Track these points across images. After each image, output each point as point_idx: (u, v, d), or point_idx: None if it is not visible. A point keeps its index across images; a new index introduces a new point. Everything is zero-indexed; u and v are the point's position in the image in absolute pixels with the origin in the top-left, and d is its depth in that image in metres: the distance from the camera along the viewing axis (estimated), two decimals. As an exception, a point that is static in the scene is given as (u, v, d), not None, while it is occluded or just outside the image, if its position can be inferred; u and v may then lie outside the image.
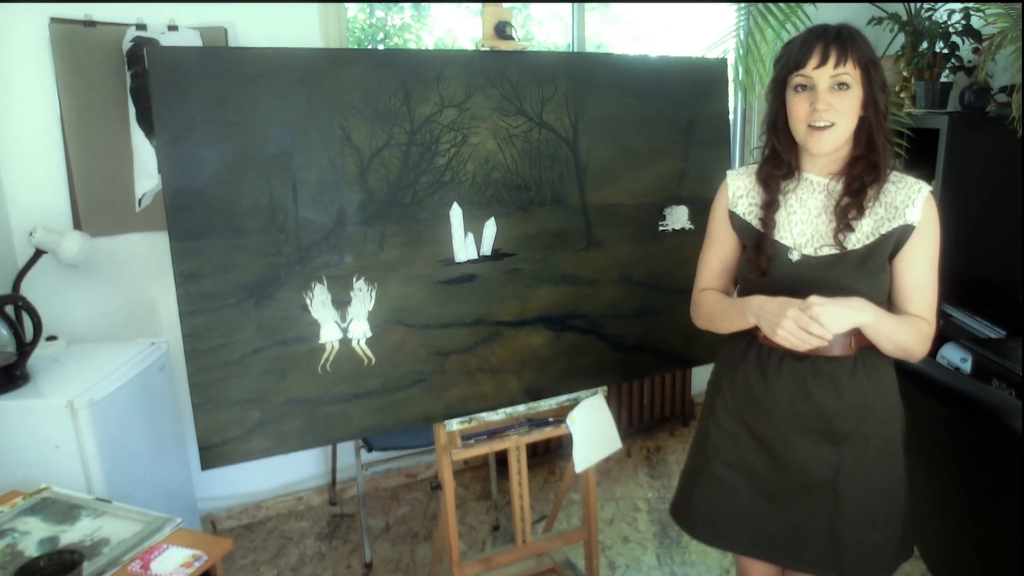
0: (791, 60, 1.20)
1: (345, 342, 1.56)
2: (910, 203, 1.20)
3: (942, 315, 2.40)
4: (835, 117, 1.17)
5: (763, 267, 1.27)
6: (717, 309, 1.35)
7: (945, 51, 2.41)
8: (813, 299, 1.14)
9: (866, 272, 1.21)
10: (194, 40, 2.09)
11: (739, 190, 1.34)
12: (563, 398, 1.80)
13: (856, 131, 1.22)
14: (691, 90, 1.88)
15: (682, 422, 3.02)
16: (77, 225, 2.06)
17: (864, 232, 1.22)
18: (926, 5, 2.47)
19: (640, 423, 2.93)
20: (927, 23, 2.39)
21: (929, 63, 2.41)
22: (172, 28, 2.07)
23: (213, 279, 1.44)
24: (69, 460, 1.64)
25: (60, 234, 1.93)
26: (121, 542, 1.26)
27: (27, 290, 2.00)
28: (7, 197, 2.00)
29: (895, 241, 1.21)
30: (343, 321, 1.56)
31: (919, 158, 2.49)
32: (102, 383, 1.73)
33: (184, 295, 1.43)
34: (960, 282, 2.41)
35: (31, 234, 1.90)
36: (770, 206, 1.29)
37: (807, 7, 2.31)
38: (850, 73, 1.16)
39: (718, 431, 1.36)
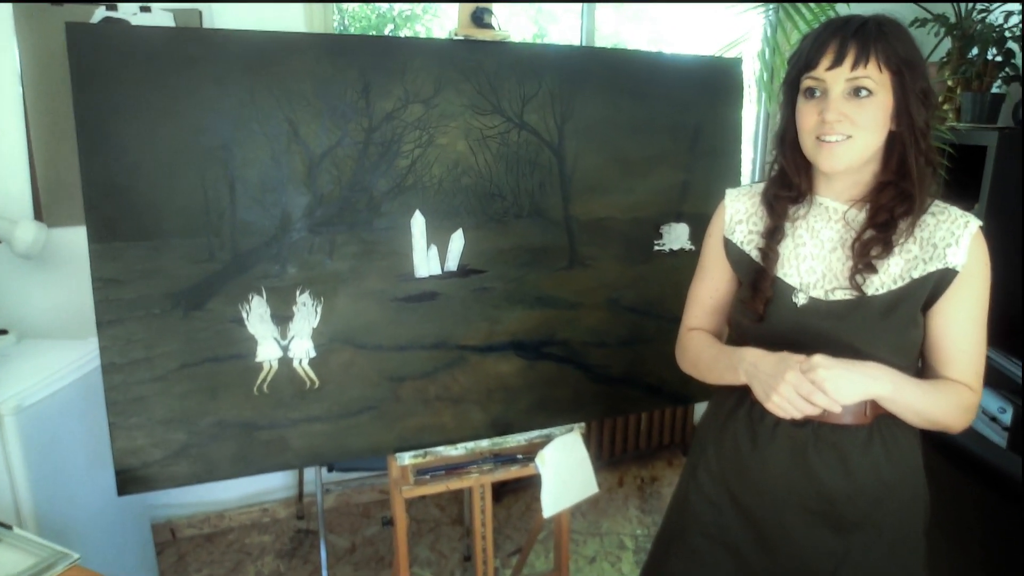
0: (802, 58, 0.97)
1: (285, 361, 1.40)
2: (953, 241, 0.96)
3: (980, 356, 2.14)
4: (850, 130, 0.94)
5: (759, 310, 1.05)
6: (704, 356, 1.13)
7: (999, 59, 2.13)
8: (818, 359, 0.92)
9: (891, 325, 0.98)
10: (167, 21, 1.95)
11: (738, 214, 1.12)
12: (534, 434, 1.62)
13: (885, 150, 0.99)
14: (699, 92, 1.67)
15: (682, 451, 2.80)
16: (38, 214, 1.95)
17: (891, 275, 0.99)
18: (979, 5, 2.20)
19: (636, 449, 2.72)
20: (979, 26, 2.12)
21: (979, 72, 2.14)
22: (144, 9, 1.94)
23: (136, 285, 1.30)
24: (-7, 469, 1.52)
25: (13, 222, 1.81)
26: (5, 579, 1.13)
27: (-20, 281, 1.91)
28: (-35, 182, 1.90)
29: (932, 288, 0.97)
30: (283, 338, 1.40)
31: (962, 179, 2.22)
32: (38, 386, 1.60)
33: (103, 302, 1.29)
34: (1003, 321, 2.14)
35: (-18, 222, 1.79)
36: (774, 234, 1.06)
37: (839, 6, 2.07)
38: (873, 77, 0.92)
39: (699, 497, 1.15)
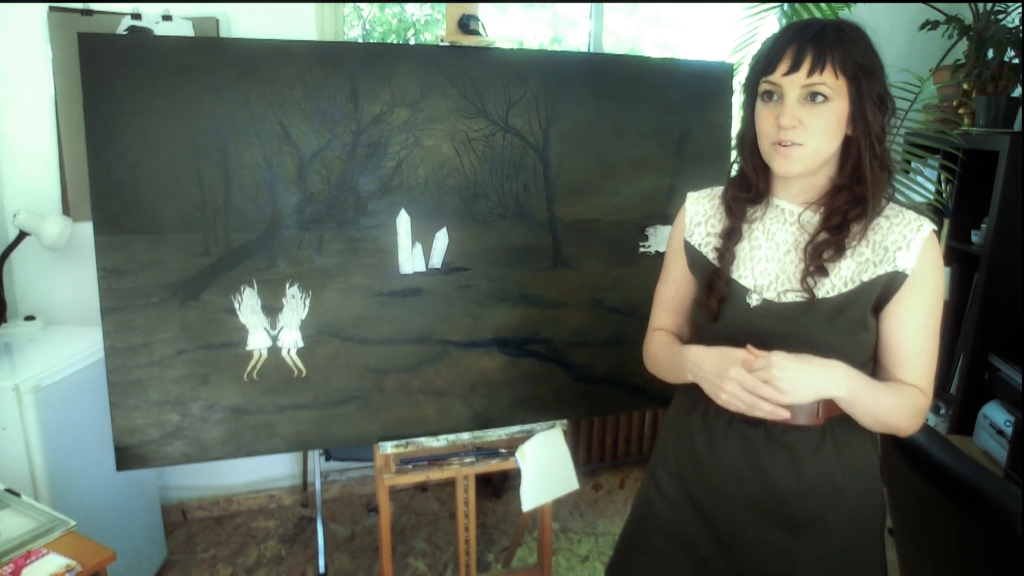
0: (761, 61, 0.99)
1: (274, 351, 1.48)
2: (904, 245, 0.97)
3: (988, 367, 2.08)
4: (803, 137, 0.95)
5: (714, 310, 1.07)
6: (661, 356, 1.16)
7: (1016, 61, 2.08)
8: (775, 358, 0.94)
9: (840, 328, 0.99)
10: (187, 30, 2.07)
11: (697, 216, 1.15)
12: (515, 429, 1.66)
13: (841, 154, 1.00)
14: (687, 97, 1.68)
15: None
16: (66, 209, 2.09)
17: (842, 278, 1.00)
18: (997, 7, 2.14)
19: (639, 452, 2.73)
20: (992, 28, 2.07)
21: (994, 75, 2.09)
22: (166, 18, 2.06)
23: (136, 275, 1.40)
24: (14, 443, 1.64)
25: (42, 217, 1.95)
26: (7, 541, 1.22)
27: (13, 270, 2.05)
28: (3, 179, 2.05)
29: (880, 291, 0.98)
30: (273, 328, 1.48)
31: (974, 184, 2.17)
32: (57, 368, 1.72)
33: (106, 290, 1.38)
34: (1012, 331, 2.08)
35: (15, 216, 1.93)
36: (731, 235, 1.08)
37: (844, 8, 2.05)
38: (828, 83, 0.93)
39: (658, 496, 1.17)
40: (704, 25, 2.99)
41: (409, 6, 3.22)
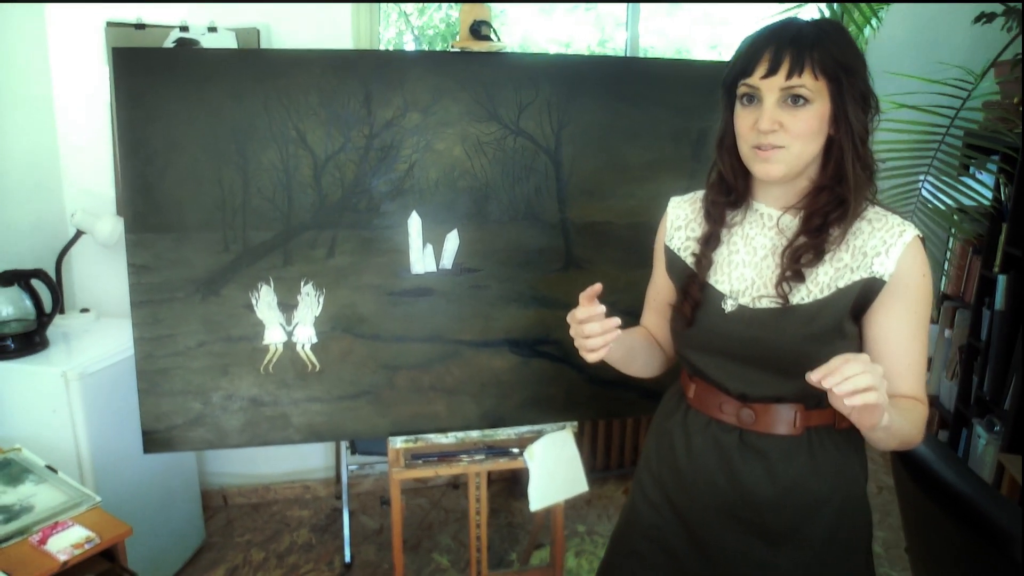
0: (738, 63, 0.96)
1: (289, 345, 1.55)
2: (883, 250, 0.92)
3: (1045, 384, 1.93)
4: (784, 140, 0.92)
5: (687, 315, 1.05)
6: None
7: (1082, 55, 1.92)
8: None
9: (814, 335, 0.94)
10: (230, 41, 2.19)
11: (678, 220, 1.13)
12: (524, 429, 1.66)
13: (823, 155, 0.96)
14: (704, 98, 1.64)
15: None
16: (119, 210, 2.25)
17: (819, 284, 0.95)
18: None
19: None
20: (1055, 20, 1.92)
21: (1057, 69, 1.94)
22: (212, 30, 2.19)
23: (162, 271, 1.49)
24: (62, 425, 1.78)
25: (96, 217, 2.11)
26: (41, 511, 1.33)
27: (72, 266, 2.22)
28: (65, 181, 2.22)
29: (857, 298, 0.93)
30: (288, 324, 1.54)
31: (1032, 187, 2.02)
32: (102, 356, 1.86)
33: (135, 285, 1.48)
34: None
35: (72, 216, 2.09)
36: (709, 240, 1.06)
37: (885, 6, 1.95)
38: (808, 85, 0.89)
39: (642, 499, 1.16)
40: (758, 24, 2.91)
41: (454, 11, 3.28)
